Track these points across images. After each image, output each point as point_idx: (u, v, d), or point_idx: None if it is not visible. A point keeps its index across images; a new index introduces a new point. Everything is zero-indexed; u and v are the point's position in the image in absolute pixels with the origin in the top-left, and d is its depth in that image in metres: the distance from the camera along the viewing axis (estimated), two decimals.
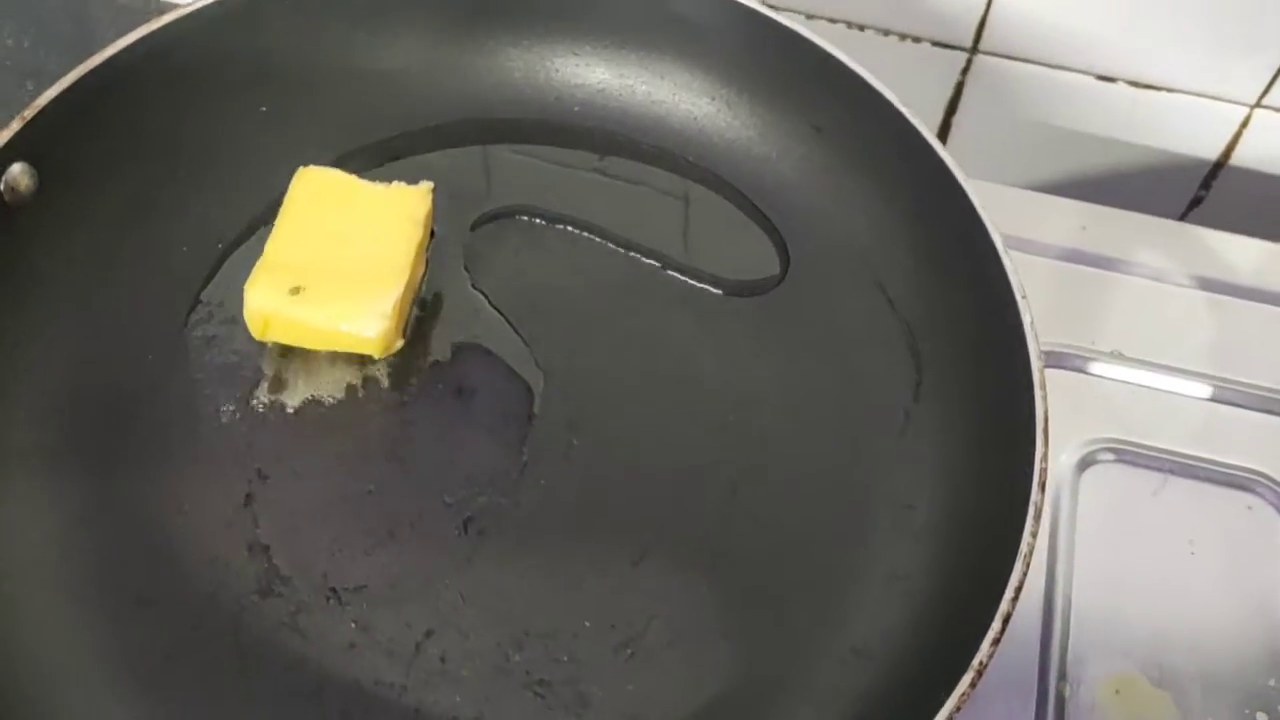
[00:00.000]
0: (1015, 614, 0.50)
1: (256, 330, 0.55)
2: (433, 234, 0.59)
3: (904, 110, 0.56)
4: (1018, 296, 0.51)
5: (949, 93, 0.78)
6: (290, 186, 0.57)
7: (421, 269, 0.58)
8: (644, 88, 0.64)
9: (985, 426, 0.53)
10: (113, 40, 0.87)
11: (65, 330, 0.55)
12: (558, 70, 0.64)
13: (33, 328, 0.55)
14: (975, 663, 0.44)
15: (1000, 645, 0.44)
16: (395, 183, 0.58)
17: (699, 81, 0.63)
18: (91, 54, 0.87)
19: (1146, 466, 0.62)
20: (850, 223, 0.60)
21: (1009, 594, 0.45)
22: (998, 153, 0.81)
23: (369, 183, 0.58)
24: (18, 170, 0.53)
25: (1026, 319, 0.51)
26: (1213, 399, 0.64)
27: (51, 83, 0.75)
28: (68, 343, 0.55)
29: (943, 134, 0.80)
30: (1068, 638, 0.58)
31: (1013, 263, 0.52)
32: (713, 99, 0.63)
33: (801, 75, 0.59)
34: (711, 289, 0.59)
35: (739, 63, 0.62)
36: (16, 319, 0.54)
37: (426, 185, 0.58)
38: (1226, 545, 0.60)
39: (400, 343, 0.57)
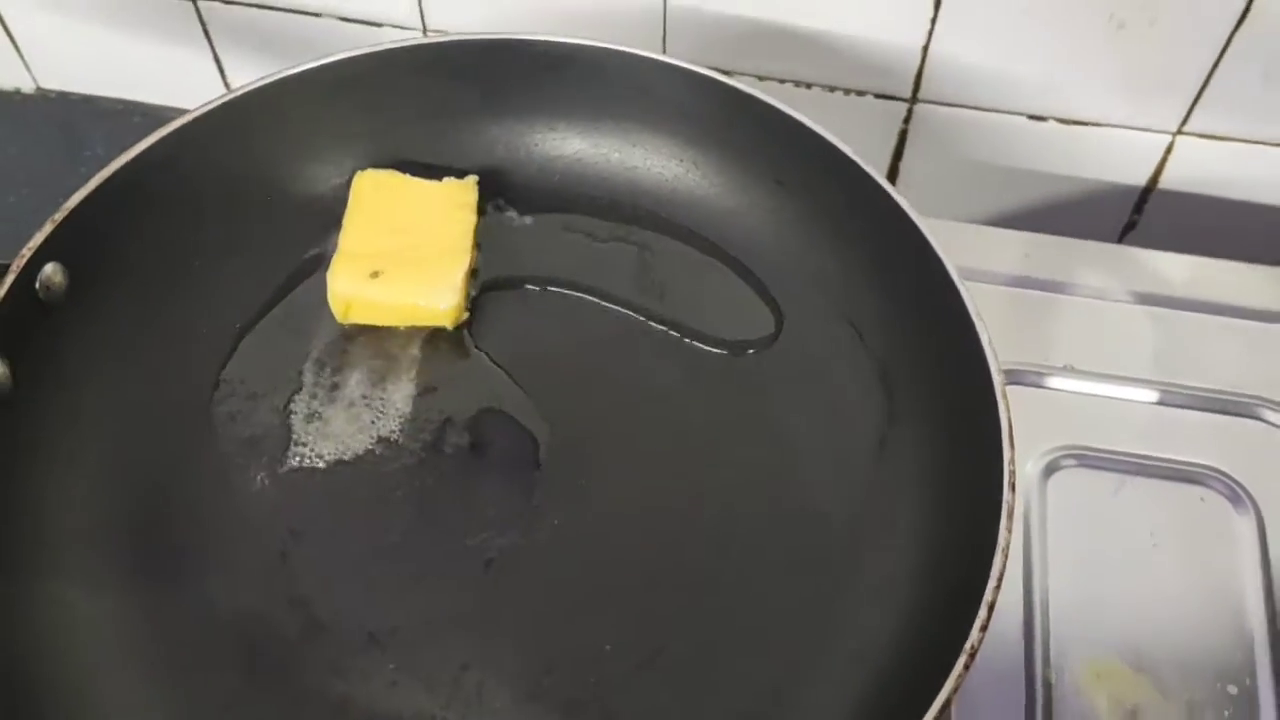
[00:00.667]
0: (999, 611, 0.55)
1: (339, 314, 0.62)
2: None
3: (857, 159, 0.62)
4: (974, 318, 0.56)
5: (894, 140, 0.83)
6: (352, 188, 0.64)
7: (474, 251, 0.64)
8: (617, 155, 0.69)
9: (956, 440, 0.57)
10: (99, 146, 0.91)
11: (100, 415, 0.59)
12: (537, 145, 0.69)
13: (70, 415, 0.58)
14: (967, 647, 0.48)
15: (988, 632, 0.49)
16: (446, 179, 0.65)
17: (667, 146, 0.68)
18: (79, 161, 0.91)
19: (1106, 469, 0.67)
20: (817, 266, 0.65)
21: (992, 584, 0.49)
22: (944, 192, 0.86)
23: (420, 179, 0.65)
24: (50, 269, 0.57)
25: (984, 338, 0.56)
26: (1160, 403, 0.69)
27: (42, 190, 0.80)
28: (102, 427, 0.59)
29: (891, 178, 0.85)
30: (1049, 630, 0.62)
31: (967, 288, 0.57)
32: (681, 161, 0.68)
33: (760, 134, 0.65)
34: (706, 347, 0.64)
35: (702, 127, 0.67)
36: (55, 408, 0.58)
37: (472, 178, 0.66)
38: (1185, 535, 0.65)
39: (466, 314, 0.63)
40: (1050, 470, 0.66)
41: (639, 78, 0.66)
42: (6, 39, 0.91)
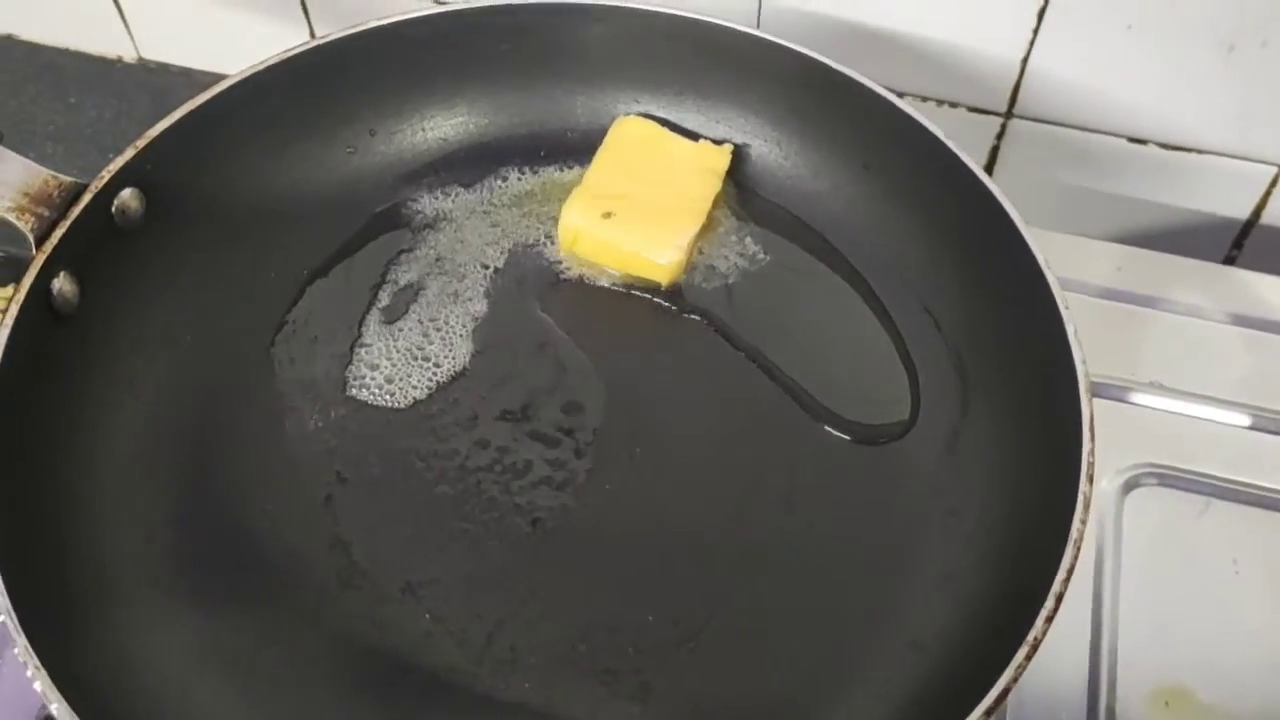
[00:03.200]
0: (1062, 633, 0.51)
1: (565, 244, 0.63)
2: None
3: (949, 143, 0.60)
4: (1061, 307, 0.54)
5: (985, 157, 0.81)
6: (610, 131, 0.65)
7: (708, 219, 0.64)
8: (702, 133, 0.68)
9: (1031, 432, 0.55)
10: None
11: (162, 344, 0.59)
12: (620, 114, 0.68)
13: (132, 341, 0.58)
14: (1030, 638, 0.45)
15: (1047, 656, 0.46)
16: (701, 140, 0.66)
17: (751, 124, 0.67)
18: None
19: (1190, 490, 0.63)
20: (899, 252, 0.63)
21: (1061, 575, 0.47)
22: (1033, 214, 0.83)
23: (677, 136, 0.66)
24: (128, 194, 0.58)
25: (1070, 328, 0.53)
26: (1252, 427, 0.66)
27: None
28: (164, 355, 0.59)
29: None
30: (1116, 654, 0.59)
31: (1054, 275, 0.55)
32: (765, 140, 0.67)
33: (850, 116, 0.63)
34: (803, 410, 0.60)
35: (788, 106, 0.66)
36: (119, 332, 0.58)
37: (729, 146, 0.65)
38: (1271, 564, 0.61)
39: (683, 277, 0.63)
40: (1129, 487, 0.63)
41: (728, 51, 0.65)
42: (114, 7, 0.93)
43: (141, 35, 0.96)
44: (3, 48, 1.00)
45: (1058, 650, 0.58)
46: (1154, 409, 0.66)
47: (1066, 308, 0.54)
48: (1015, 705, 0.57)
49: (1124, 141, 0.76)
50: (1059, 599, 0.46)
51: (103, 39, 0.97)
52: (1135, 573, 0.61)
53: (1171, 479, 0.64)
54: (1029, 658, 0.45)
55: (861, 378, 0.60)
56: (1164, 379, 0.67)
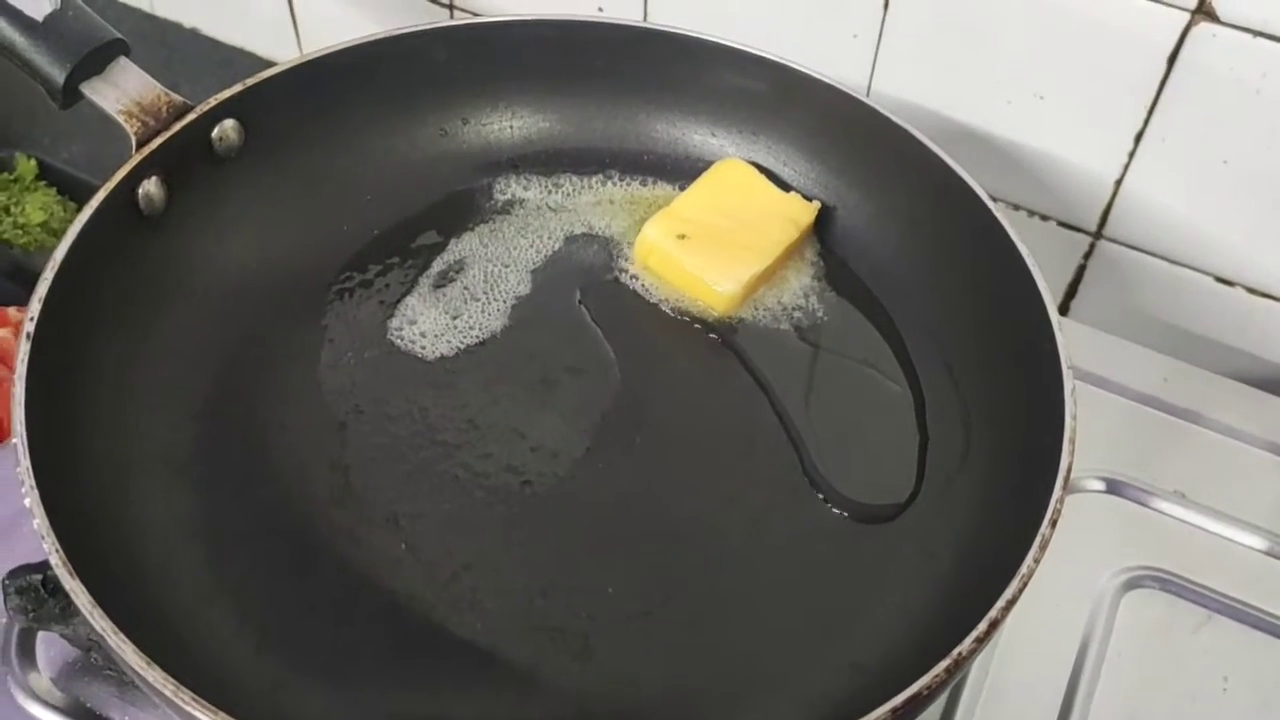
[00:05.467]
0: (1028, 713, 0.55)
1: (640, 256, 0.68)
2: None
3: (990, 204, 0.62)
4: (1063, 367, 0.54)
5: (1070, 275, 0.81)
6: (712, 167, 0.70)
7: (781, 266, 0.67)
8: (767, 172, 0.71)
9: (1017, 487, 0.55)
10: None
11: (231, 265, 0.64)
12: (694, 146, 0.72)
13: (205, 257, 0.63)
14: (955, 652, 0.45)
15: (982, 645, 0.46)
16: (792, 192, 0.69)
17: (815, 172, 0.70)
18: None
19: (1192, 600, 0.62)
20: (929, 306, 0.65)
21: (1001, 604, 0.47)
22: (1112, 342, 0.83)
23: (770, 184, 0.69)
24: (230, 125, 0.63)
25: (1068, 386, 0.54)
26: (1268, 553, 0.64)
27: None
28: (229, 275, 0.64)
29: (1062, 313, 0.82)
30: None
31: (1064, 339, 0.55)
32: (826, 188, 0.69)
33: (903, 171, 0.66)
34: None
35: (852, 158, 0.68)
36: (194, 246, 0.63)
37: (816, 204, 0.69)
38: (1261, 689, 0.59)
39: (738, 313, 0.66)
40: (1129, 586, 0.62)
41: (799, 98, 0.68)
42: (289, 16, 1.01)
43: (308, 43, 1.04)
44: (189, 39, 1.09)
45: None
46: (1171, 517, 0.65)
47: (1069, 366, 0.54)
48: None
49: (1211, 280, 0.75)
50: (994, 625, 0.46)
51: (273, 42, 1.05)
52: (1119, 668, 0.60)
53: (1175, 586, 0.62)
54: (949, 672, 0.45)
55: (874, 455, 0.61)
56: (1188, 490, 0.66)
